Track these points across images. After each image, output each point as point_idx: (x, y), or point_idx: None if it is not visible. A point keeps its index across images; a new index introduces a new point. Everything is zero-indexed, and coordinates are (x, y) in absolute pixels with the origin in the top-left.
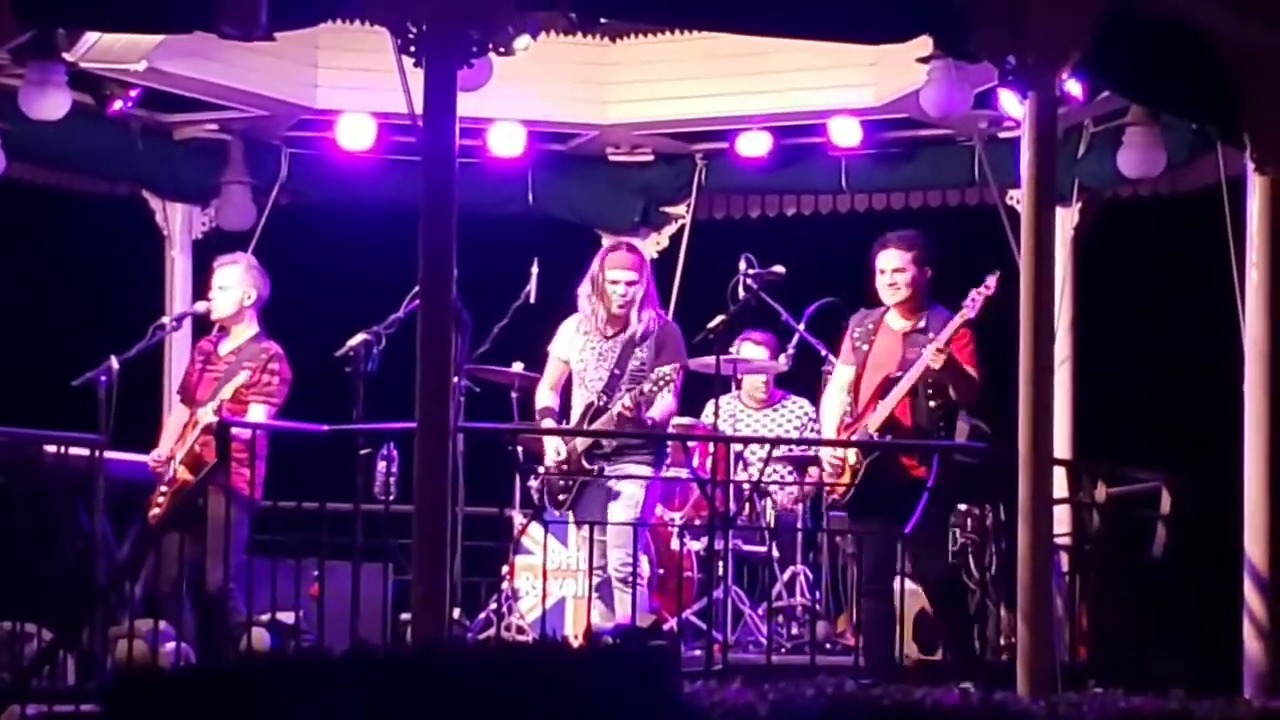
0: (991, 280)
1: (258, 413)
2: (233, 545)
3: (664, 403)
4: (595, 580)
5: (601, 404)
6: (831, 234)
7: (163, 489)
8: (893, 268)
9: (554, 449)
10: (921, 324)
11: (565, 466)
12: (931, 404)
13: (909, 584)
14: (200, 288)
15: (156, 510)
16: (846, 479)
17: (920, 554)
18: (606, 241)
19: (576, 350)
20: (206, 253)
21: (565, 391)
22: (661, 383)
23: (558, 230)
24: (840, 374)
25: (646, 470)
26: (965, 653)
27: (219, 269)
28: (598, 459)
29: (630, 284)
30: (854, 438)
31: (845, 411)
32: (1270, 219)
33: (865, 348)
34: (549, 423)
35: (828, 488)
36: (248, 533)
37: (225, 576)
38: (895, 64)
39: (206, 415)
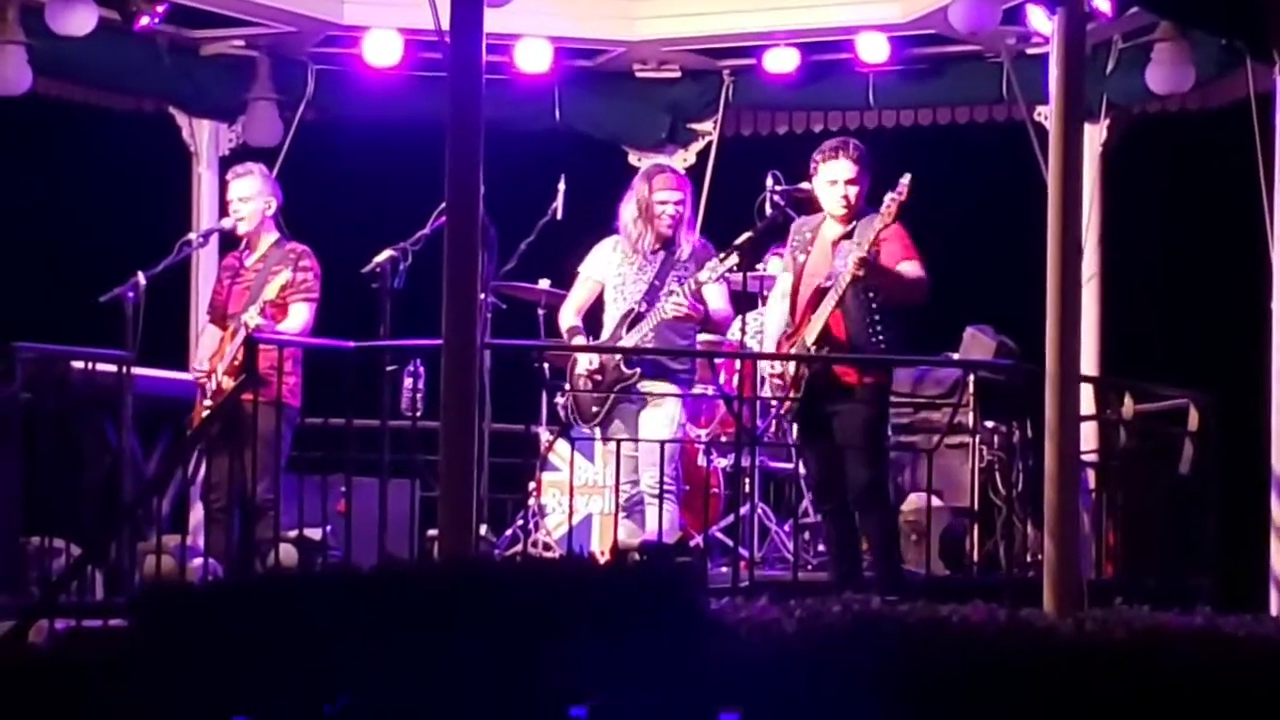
0: (903, 184)
1: (301, 311)
2: (271, 458)
3: (718, 303)
4: (623, 497)
5: (642, 310)
6: None
7: (206, 402)
8: (845, 178)
9: (586, 359)
10: (850, 228)
11: (600, 377)
12: (869, 309)
13: (935, 500)
14: (227, 204)
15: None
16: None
17: (852, 459)
18: (634, 158)
19: (614, 268)
20: None
21: (591, 314)
22: (720, 270)
23: (584, 147)
24: (781, 282)
25: (679, 387)
26: (889, 565)
27: (234, 181)
28: (635, 364)
29: (678, 204)
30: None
31: (787, 322)
32: None
33: (802, 257)
34: (579, 339)
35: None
36: (289, 443)
37: (267, 489)
38: None
39: (253, 319)
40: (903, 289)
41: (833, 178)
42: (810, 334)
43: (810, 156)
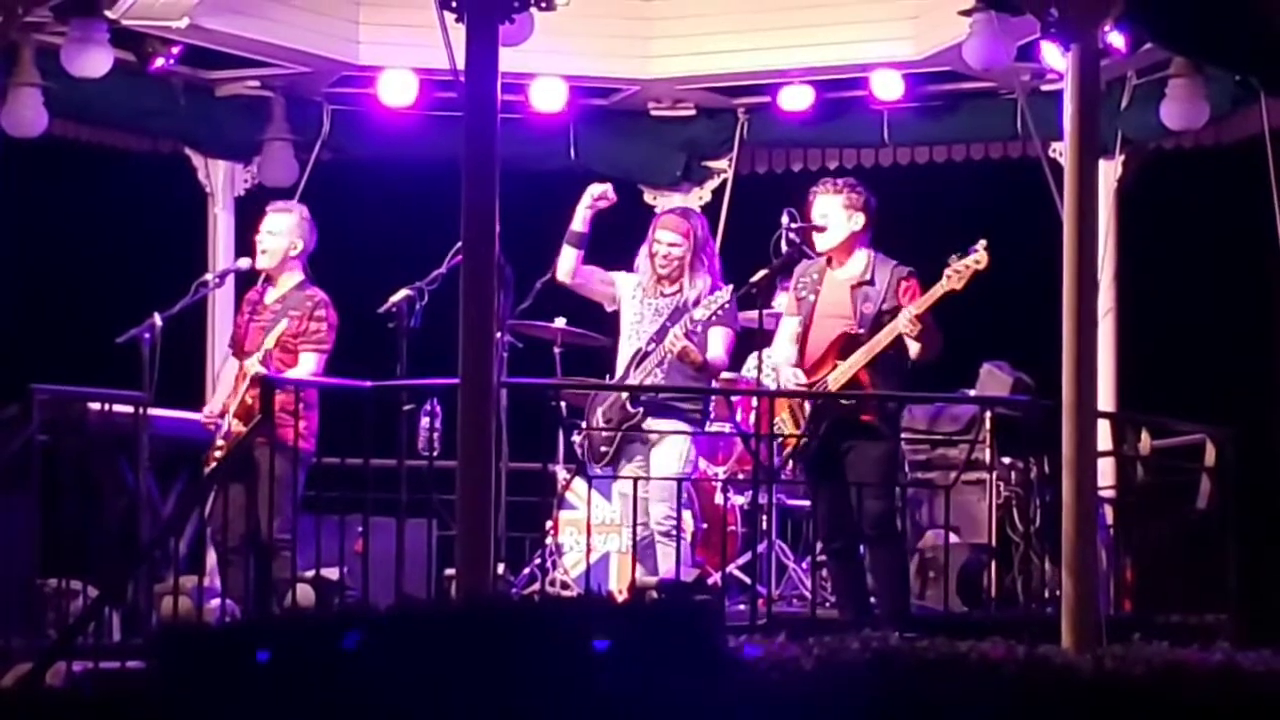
0: (981, 250)
1: (309, 360)
2: (285, 498)
3: (716, 349)
4: (639, 537)
5: (649, 349)
6: (874, 187)
7: (219, 443)
8: (820, 214)
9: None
10: (867, 275)
11: (609, 419)
12: (897, 362)
13: (953, 536)
14: (243, 244)
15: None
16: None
17: (866, 492)
18: (649, 197)
19: (634, 303)
20: (249, 209)
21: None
22: (714, 306)
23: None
24: (786, 326)
25: (689, 425)
26: (897, 600)
27: (272, 214)
28: (642, 404)
29: (672, 245)
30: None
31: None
32: None
33: (811, 298)
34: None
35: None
36: (302, 485)
37: (281, 529)
38: (937, 17)
39: (253, 366)
40: (932, 349)
41: (813, 215)
42: (835, 380)
43: None
